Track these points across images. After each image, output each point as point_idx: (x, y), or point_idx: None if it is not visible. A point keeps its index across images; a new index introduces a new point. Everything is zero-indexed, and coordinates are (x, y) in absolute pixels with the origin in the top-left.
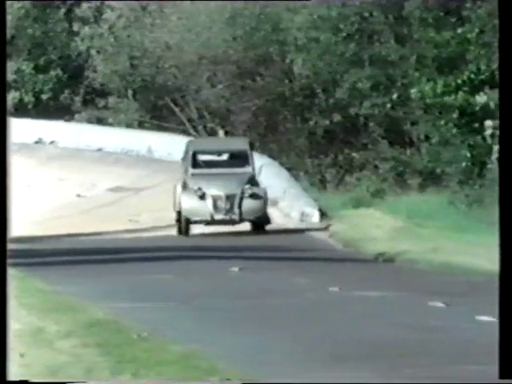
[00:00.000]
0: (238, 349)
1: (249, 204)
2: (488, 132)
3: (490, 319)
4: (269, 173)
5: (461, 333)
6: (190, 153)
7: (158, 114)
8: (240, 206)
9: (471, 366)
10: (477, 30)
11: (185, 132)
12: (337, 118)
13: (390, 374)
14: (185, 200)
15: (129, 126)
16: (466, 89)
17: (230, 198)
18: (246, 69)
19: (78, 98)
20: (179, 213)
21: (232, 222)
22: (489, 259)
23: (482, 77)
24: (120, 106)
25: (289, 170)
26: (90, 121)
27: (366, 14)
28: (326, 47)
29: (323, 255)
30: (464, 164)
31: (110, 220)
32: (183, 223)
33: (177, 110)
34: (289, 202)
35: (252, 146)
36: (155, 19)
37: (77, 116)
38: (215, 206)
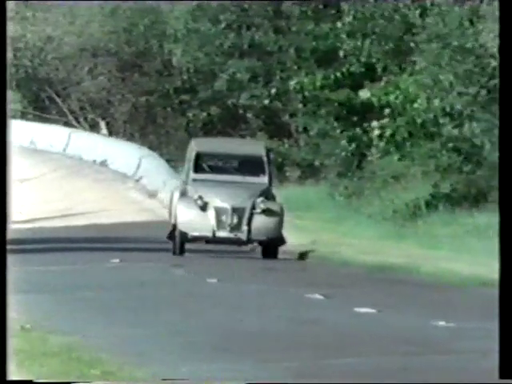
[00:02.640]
0: (120, 340)
1: (260, 221)
2: (376, 132)
3: (368, 311)
4: (149, 164)
5: (339, 325)
6: (193, 154)
7: (40, 105)
8: (249, 223)
9: (349, 359)
10: (350, 21)
11: (67, 123)
12: (215, 109)
13: (268, 367)
14: (182, 210)
15: (11, 117)
16: (346, 82)
17: (237, 211)
18: (126, 61)
19: None
20: (174, 226)
21: (238, 242)
22: (368, 251)
23: (362, 70)
24: None
25: (168, 161)
26: None
27: (246, 6)
28: (206, 38)
29: (203, 247)
30: (343, 156)
31: None
32: (178, 239)
33: (59, 101)
34: (168, 194)
35: (269, 152)
36: (37, 12)
37: None
38: (218, 221)
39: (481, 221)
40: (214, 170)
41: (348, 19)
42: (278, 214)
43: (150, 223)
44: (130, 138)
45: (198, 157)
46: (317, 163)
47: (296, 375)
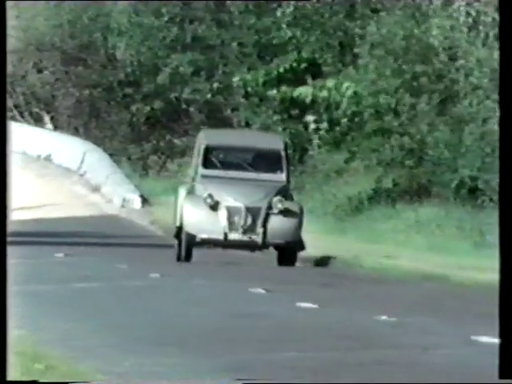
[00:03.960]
0: (63, 334)
1: (278, 222)
2: (312, 126)
3: (310, 305)
4: (92, 159)
5: (282, 319)
6: (202, 147)
7: None
8: (265, 225)
9: (291, 353)
10: (290, 13)
11: (12, 118)
12: (158, 103)
13: (212, 361)
14: (189, 210)
15: None
16: (289, 76)
17: (251, 211)
18: (70, 55)
19: None
20: (180, 228)
21: (252, 246)
22: (310, 246)
23: (305, 65)
24: None
25: (112, 156)
26: None
27: None
28: (148, 32)
29: (145, 241)
30: None
31: None
32: (184, 242)
33: None
34: (111, 188)
35: (287, 146)
36: None
37: None
38: (230, 222)
39: (423, 216)
40: (225, 165)
41: (289, 10)
42: (297, 215)
43: (95, 218)
44: (75, 132)
45: (208, 150)
46: None
47: (236, 369)
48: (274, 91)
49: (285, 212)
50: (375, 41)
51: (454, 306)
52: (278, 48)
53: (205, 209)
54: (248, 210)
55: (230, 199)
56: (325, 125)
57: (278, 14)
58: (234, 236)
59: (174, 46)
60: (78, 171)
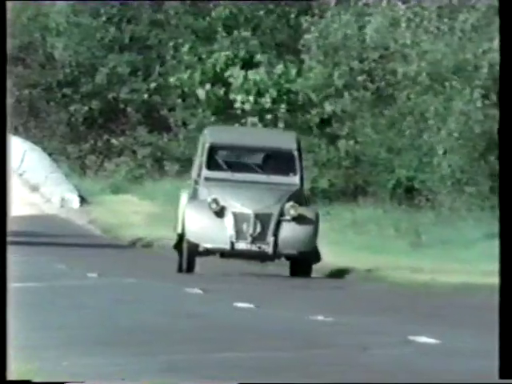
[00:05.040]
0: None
1: (291, 231)
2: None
3: (247, 305)
4: (31, 158)
5: (218, 319)
6: (206, 146)
7: None
8: (276, 233)
9: (228, 353)
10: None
11: None
12: (96, 103)
13: (147, 360)
14: (192, 216)
15: None
16: (224, 74)
17: (261, 218)
18: (9, 55)
19: None
20: (181, 236)
21: (262, 257)
22: None
23: (237, 60)
24: None
25: (50, 155)
26: None
27: None
28: (87, 32)
29: (83, 241)
30: None
31: None
32: (185, 252)
33: None
34: (50, 188)
35: (300, 146)
36: None
37: None
38: (238, 230)
39: (360, 216)
40: (232, 166)
41: (225, 12)
42: (313, 223)
43: (34, 217)
44: (14, 131)
45: (212, 150)
46: (195, 158)
47: (173, 369)
48: (207, 88)
49: (298, 219)
50: (315, 39)
51: (391, 306)
52: (214, 47)
53: (209, 215)
54: (257, 216)
55: (237, 204)
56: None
57: (213, 14)
58: (242, 245)
59: (112, 46)
60: (18, 171)
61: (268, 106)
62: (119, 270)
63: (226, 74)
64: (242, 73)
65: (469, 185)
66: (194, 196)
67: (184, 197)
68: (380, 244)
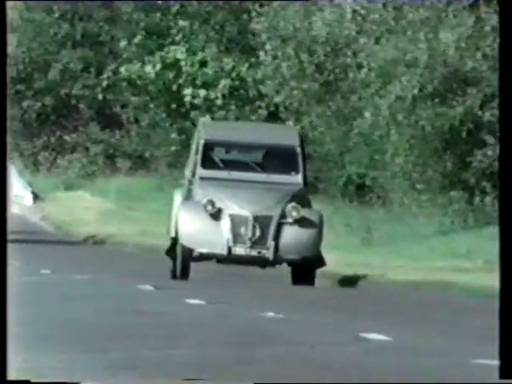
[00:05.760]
0: None
1: (293, 234)
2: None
3: (198, 302)
4: None
5: (170, 316)
6: (201, 143)
7: None
8: (277, 237)
9: (180, 350)
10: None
11: None
12: (49, 100)
13: (98, 357)
14: (185, 219)
15: None
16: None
17: (261, 221)
18: None
19: None
20: (175, 240)
21: (261, 262)
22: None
23: (188, 55)
24: None
25: None
26: None
27: None
28: (40, 28)
29: (36, 237)
30: (173, 148)
31: None
32: (179, 258)
33: None
34: None
35: (303, 141)
36: None
37: None
38: (235, 234)
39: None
40: (229, 165)
41: (175, 7)
42: (317, 226)
43: None
44: None
45: (208, 147)
46: (147, 154)
47: (124, 366)
48: (163, 86)
49: (301, 221)
50: (268, 32)
51: (342, 303)
52: (164, 41)
53: (204, 218)
54: (256, 219)
55: (235, 206)
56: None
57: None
58: (240, 250)
59: (65, 42)
60: None
61: (219, 101)
62: (72, 267)
63: (176, 68)
64: (194, 67)
65: (420, 182)
66: (188, 197)
67: (177, 198)
68: (331, 241)
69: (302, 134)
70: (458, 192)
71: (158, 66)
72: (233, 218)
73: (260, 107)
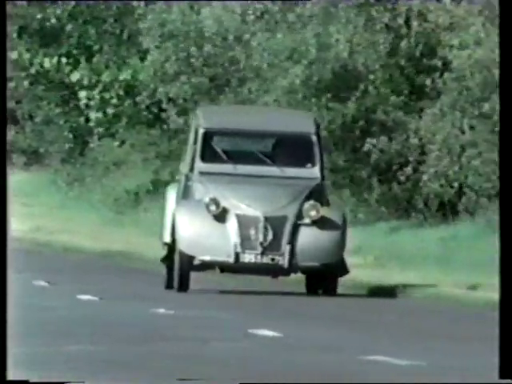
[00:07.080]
0: None
1: (311, 237)
2: (84, 101)
3: (90, 298)
4: None
5: (63, 312)
6: (200, 132)
7: None
8: (293, 241)
9: (72, 346)
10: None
11: None
12: None
13: None
14: (184, 221)
15: None
16: (66, 60)
17: (273, 223)
18: None
19: None
20: (171, 247)
21: (274, 271)
22: (90, 238)
23: (81, 51)
24: None
25: None
26: None
27: None
28: None
29: None
30: (66, 144)
31: None
32: (177, 266)
33: None
34: None
35: (319, 128)
36: None
37: None
38: (244, 237)
39: None
40: (233, 157)
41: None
42: (339, 227)
43: None
44: None
45: (208, 136)
46: (41, 150)
47: (22, 362)
48: (53, 76)
49: (321, 222)
50: (156, 27)
51: (233, 299)
52: (59, 34)
53: (207, 219)
54: (268, 220)
55: (243, 205)
56: (97, 102)
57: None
58: (250, 257)
59: None
60: None
61: (114, 101)
62: None
63: (68, 68)
64: (86, 69)
65: None
66: (186, 195)
67: (173, 196)
68: None
69: (318, 121)
70: (349, 188)
71: (53, 55)
72: (240, 219)
73: (153, 104)
